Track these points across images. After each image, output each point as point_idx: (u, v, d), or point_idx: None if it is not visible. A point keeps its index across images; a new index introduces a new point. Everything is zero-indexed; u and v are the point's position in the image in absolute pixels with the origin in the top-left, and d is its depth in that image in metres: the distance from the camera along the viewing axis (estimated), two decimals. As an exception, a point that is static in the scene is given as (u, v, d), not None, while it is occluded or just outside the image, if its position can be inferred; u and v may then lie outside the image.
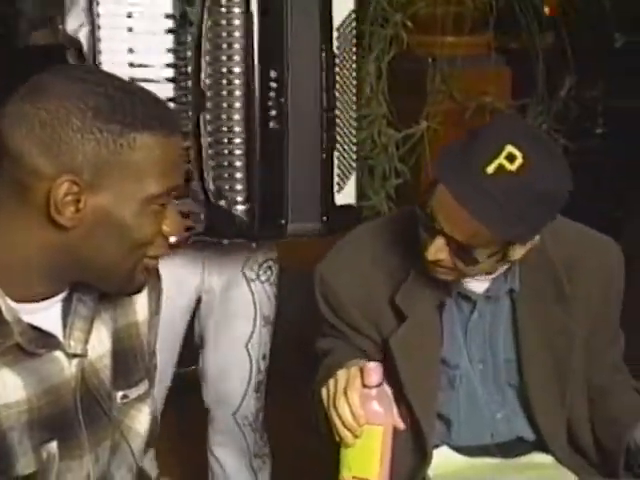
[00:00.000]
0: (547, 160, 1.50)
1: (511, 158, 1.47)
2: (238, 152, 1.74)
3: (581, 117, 3.00)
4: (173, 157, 1.16)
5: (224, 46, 1.72)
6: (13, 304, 1.15)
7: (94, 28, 1.73)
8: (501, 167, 1.47)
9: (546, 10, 2.89)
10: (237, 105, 1.73)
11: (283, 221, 1.78)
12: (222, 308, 2.01)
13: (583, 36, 2.91)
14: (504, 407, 1.74)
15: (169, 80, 1.75)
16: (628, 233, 3.19)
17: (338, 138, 1.86)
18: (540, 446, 1.74)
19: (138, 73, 1.73)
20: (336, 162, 1.86)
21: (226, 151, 1.74)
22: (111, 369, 1.28)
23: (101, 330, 1.26)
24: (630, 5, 2.90)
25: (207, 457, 2.17)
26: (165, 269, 1.38)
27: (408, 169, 2.87)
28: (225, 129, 1.73)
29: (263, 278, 2.01)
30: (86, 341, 1.23)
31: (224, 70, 1.73)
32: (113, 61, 1.72)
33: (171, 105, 1.71)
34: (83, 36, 1.77)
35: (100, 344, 1.26)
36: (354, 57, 1.90)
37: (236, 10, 1.71)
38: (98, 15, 1.72)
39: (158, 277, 1.38)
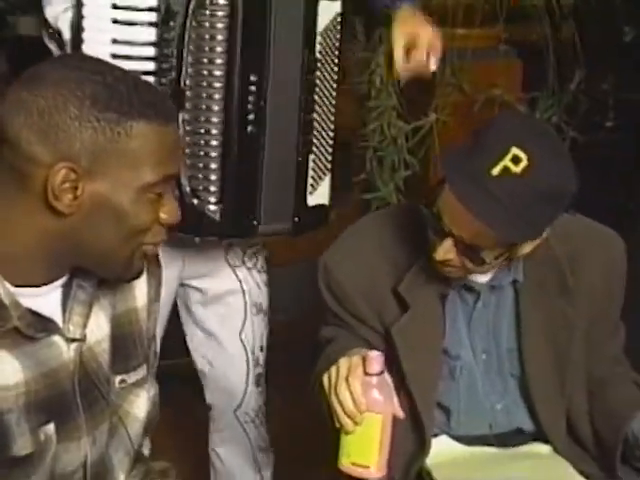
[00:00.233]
0: (552, 160, 1.51)
1: (516, 160, 1.48)
2: (214, 154, 1.74)
3: (591, 110, 2.99)
4: (169, 145, 1.17)
5: (206, 48, 1.72)
6: (12, 289, 1.17)
7: (78, 17, 1.73)
8: (506, 169, 1.48)
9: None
10: (216, 108, 1.73)
11: (255, 222, 1.79)
12: (209, 298, 2.01)
13: (593, 30, 2.90)
14: (505, 398, 1.75)
15: (150, 73, 1.74)
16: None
17: (315, 141, 1.87)
18: (539, 437, 1.75)
19: (120, 64, 1.72)
20: (311, 164, 1.87)
21: (202, 152, 1.74)
22: (109, 354, 1.30)
23: (100, 315, 1.28)
24: (640, -1, 2.90)
25: (207, 452, 2.16)
26: None
27: (417, 161, 2.87)
28: (202, 131, 1.73)
29: (249, 265, 2.01)
30: (84, 326, 1.25)
31: (205, 72, 1.72)
32: (96, 51, 1.70)
33: None
34: (65, 23, 1.76)
35: (99, 329, 1.28)
36: (336, 60, 1.89)
37: (220, 13, 1.71)
38: (82, 4, 1.71)
39: (158, 264, 1.40)
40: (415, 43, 1.84)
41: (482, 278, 1.69)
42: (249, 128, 1.75)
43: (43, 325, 1.20)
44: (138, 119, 1.14)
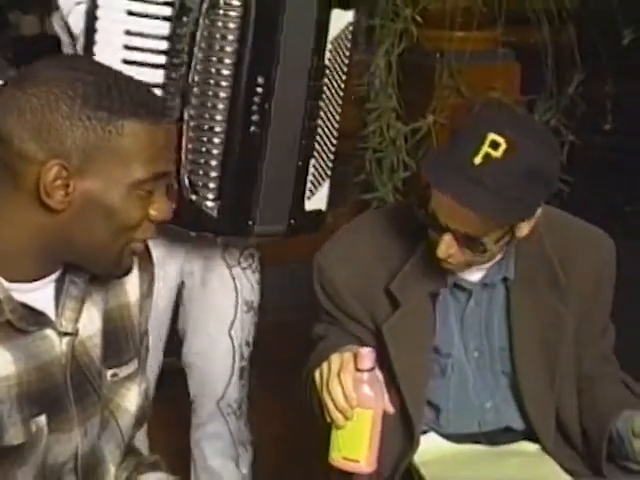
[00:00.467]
0: (530, 139, 1.54)
1: (495, 145, 1.51)
2: (216, 152, 1.76)
3: (589, 113, 3.01)
4: (160, 144, 1.20)
5: (216, 47, 1.75)
6: (6, 283, 1.20)
7: (93, 7, 1.75)
8: (487, 156, 1.51)
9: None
10: (221, 106, 1.75)
11: (251, 222, 1.81)
12: (203, 294, 2.04)
13: (592, 33, 2.91)
14: (495, 396, 1.77)
15: (160, 67, 1.77)
16: (637, 228, 3.21)
17: (317, 147, 1.89)
18: (529, 436, 1.77)
19: (132, 56, 1.76)
20: (311, 170, 1.89)
21: (204, 149, 1.76)
22: (101, 348, 1.32)
23: (92, 310, 1.31)
24: (638, 2, 2.90)
25: (189, 447, 2.20)
26: None
27: (415, 162, 2.89)
28: (206, 127, 1.76)
29: (245, 265, 2.04)
30: (77, 320, 1.27)
31: (213, 70, 1.75)
32: (108, 42, 1.74)
33: (158, 92, 1.73)
34: (76, 16, 1.78)
35: (91, 323, 1.31)
36: (345, 69, 1.92)
37: (232, 13, 1.74)
38: None
39: (150, 260, 1.43)
40: None
41: (474, 276, 1.72)
42: (252, 128, 1.78)
43: (35, 319, 1.22)
44: (129, 118, 1.16)
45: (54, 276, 1.26)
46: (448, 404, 1.76)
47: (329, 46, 1.86)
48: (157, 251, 1.86)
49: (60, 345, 1.26)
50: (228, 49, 1.75)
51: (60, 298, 1.26)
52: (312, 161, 1.90)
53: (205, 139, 1.77)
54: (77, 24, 1.80)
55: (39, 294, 1.24)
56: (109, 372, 1.34)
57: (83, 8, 1.78)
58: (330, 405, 1.46)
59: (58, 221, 1.18)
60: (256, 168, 1.80)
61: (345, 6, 1.89)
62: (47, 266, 1.24)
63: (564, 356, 1.74)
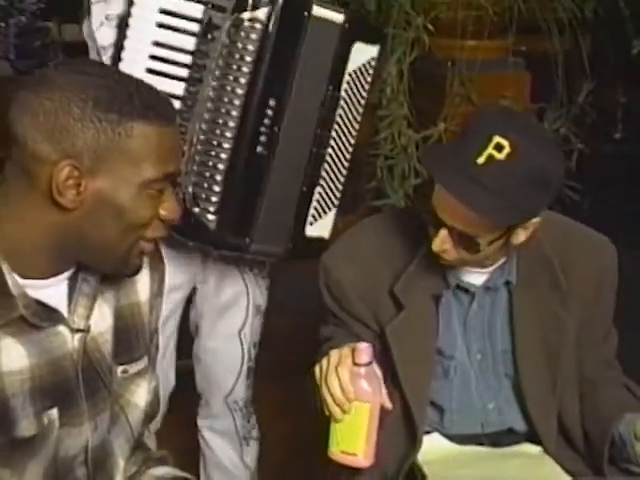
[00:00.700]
0: (535, 144, 1.57)
1: (499, 147, 1.54)
2: (221, 167, 1.80)
3: (600, 122, 3.03)
4: (169, 145, 1.24)
5: (234, 66, 1.78)
6: (20, 280, 1.24)
7: (126, 17, 1.81)
8: (491, 157, 1.54)
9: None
10: (231, 124, 1.79)
11: (248, 240, 1.85)
12: (217, 298, 2.10)
13: (602, 42, 2.93)
14: (498, 398, 1.80)
15: (181, 79, 1.81)
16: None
17: (324, 175, 1.93)
18: (531, 438, 1.80)
19: (156, 65, 1.81)
20: (316, 196, 1.92)
21: (210, 163, 1.80)
22: (112, 345, 1.36)
23: (104, 308, 1.35)
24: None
25: (197, 440, 2.27)
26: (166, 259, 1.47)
27: (426, 169, 2.92)
28: (215, 142, 1.80)
29: (256, 271, 2.10)
30: (89, 317, 1.31)
31: (228, 88, 1.79)
32: (137, 50, 1.80)
33: (176, 103, 1.78)
34: (109, 25, 1.84)
35: (102, 320, 1.35)
36: (362, 102, 1.95)
37: (253, 36, 1.78)
38: (132, 3, 1.80)
39: (161, 260, 1.47)
40: None
41: (477, 280, 1.75)
42: (259, 149, 1.82)
43: (48, 315, 1.26)
44: (138, 120, 1.20)
45: (67, 274, 1.30)
46: (451, 405, 1.79)
47: (347, 77, 1.90)
48: (176, 257, 1.92)
49: (72, 341, 1.30)
50: (245, 69, 1.79)
51: (73, 295, 1.31)
52: (318, 188, 1.93)
53: (213, 153, 1.81)
54: (106, 35, 1.86)
55: (52, 291, 1.29)
56: (119, 368, 1.38)
57: (114, 20, 1.84)
58: (328, 399, 1.50)
59: (70, 219, 1.22)
60: (259, 188, 1.84)
61: (370, 41, 1.93)
62: (60, 264, 1.28)
63: (565, 359, 1.76)
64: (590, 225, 1.87)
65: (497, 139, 1.54)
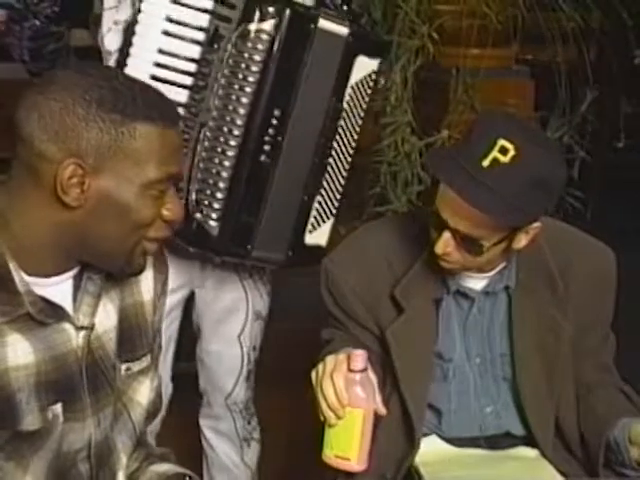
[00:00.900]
0: (538, 149, 1.60)
1: (504, 151, 1.57)
2: (225, 175, 1.83)
3: (602, 131, 3.05)
4: (172, 146, 1.27)
5: (240, 75, 1.81)
6: (27, 277, 1.27)
7: (133, 21, 1.84)
8: (495, 160, 1.58)
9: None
10: (236, 132, 1.82)
11: (249, 246, 1.87)
12: (216, 304, 2.13)
13: (605, 52, 2.96)
14: (496, 401, 1.82)
15: (185, 87, 1.84)
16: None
17: (325, 184, 1.95)
18: (528, 441, 1.81)
19: (160, 72, 1.84)
20: (316, 205, 1.95)
21: (214, 170, 1.83)
22: (116, 343, 1.39)
23: (108, 306, 1.38)
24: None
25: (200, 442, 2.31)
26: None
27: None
28: (219, 150, 1.82)
29: (256, 277, 2.13)
30: (93, 315, 1.34)
31: (233, 97, 1.81)
32: (141, 56, 1.83)
33: (180, 110, 1.78)
34: (116, 31, 1.87)
35: (107, 319, 1.38)
36: (362, 114, 1.98)
37: (260, 47, 1.80)
38: (139, 11, 1.83)
39: (165, 261, 1.50)
40: None
41: (477, 285, 1.77)
42: (262, 158, 1.85)
43: (53, 311, 1.29)
44: (142, 121, 1.23)
45: (72, 272, 1.33)
46: (449, 408, 1.81)
47: (349, 90, 1.93)
48: (176, 261, 1.94)
49: (77, 338, 1.32)
50: (250, 79, 1.81)
51: (78, 294, 1.34)
52: (318, 197, 1.96)
53: (217, 161, 1.83)
54: (112, 40, 1.89)
55: (58, 289, 1.31)
56: (123, 366, 1.41)
57: (122, 26, 1.87)
58: (323, 404, 1.52)
59: (74, 218, 1.25)
60: (261, 196, 1.86)
61: (373, 54, 1.96)
62: (65, 262, 1.31)
63: (563, 364, 1.78)
64: (592, 233, 1.89)
65: (502, 142, 1.57)
